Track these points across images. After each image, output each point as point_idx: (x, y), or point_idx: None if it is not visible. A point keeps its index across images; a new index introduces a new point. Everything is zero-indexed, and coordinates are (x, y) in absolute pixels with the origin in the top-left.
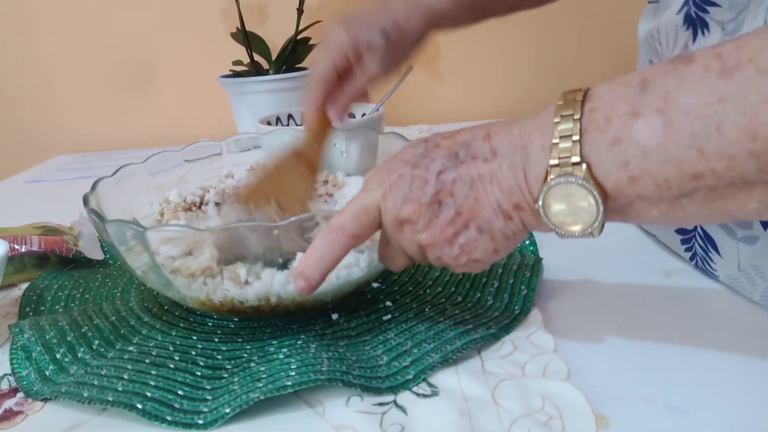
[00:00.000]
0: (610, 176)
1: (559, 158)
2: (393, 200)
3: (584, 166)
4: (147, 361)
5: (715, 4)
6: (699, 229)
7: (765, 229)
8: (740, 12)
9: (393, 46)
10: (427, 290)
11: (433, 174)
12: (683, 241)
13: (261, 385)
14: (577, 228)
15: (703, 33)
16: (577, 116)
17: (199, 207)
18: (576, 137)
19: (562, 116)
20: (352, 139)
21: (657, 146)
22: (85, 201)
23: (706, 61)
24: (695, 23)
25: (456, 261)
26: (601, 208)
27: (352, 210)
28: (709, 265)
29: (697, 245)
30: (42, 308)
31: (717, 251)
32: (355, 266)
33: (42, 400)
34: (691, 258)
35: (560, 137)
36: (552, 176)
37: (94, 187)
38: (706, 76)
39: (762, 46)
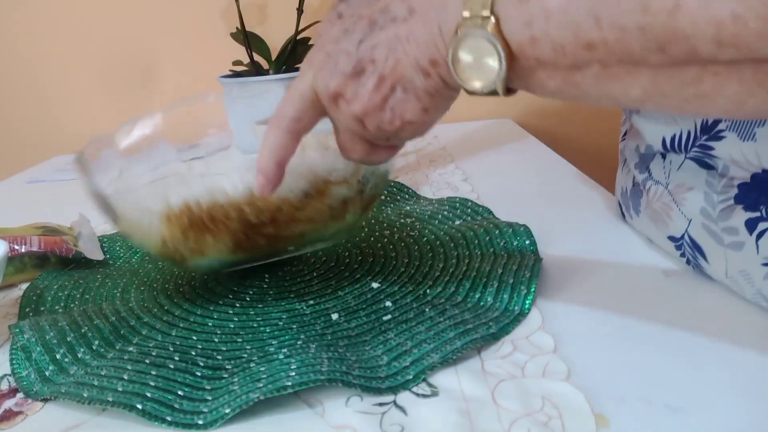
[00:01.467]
0: (515, 33)
1: (471, 11)
2: (322, 79)
3: (493, 19)
4: (147, 361)
5: None
6: (687, 237)
7: (751, 234)
8: None
9: None
10: (427, 290)
11: (353, 45)
12: (676, 247)
13: (261, 385)
14: (479, 84)
15: None
16: None
17: None
18: None
19: None
20: None
21: (559, 9)
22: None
23: None
24: None
25: (392, 126)
26: (504, 64)
27: (290, 96)
28: (701, 270)
29: (687, 252)
30: (42, 308)
31: (705, 258)
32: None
33: (42, 400)
34: (687, 262)
35: None
36: (462, 29)
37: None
38: None
39: None
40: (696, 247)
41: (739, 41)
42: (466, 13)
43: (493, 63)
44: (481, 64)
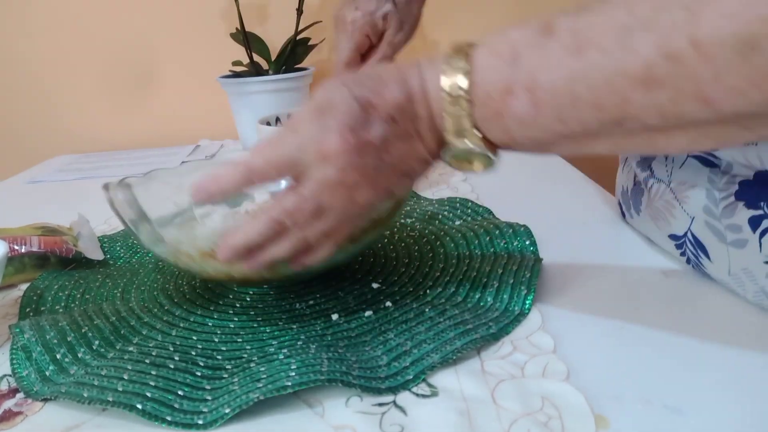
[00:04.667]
0: (497, 139)
1: (455, 127)
2: (333, 169)
3: (477, 132)
4: (147, 361)
5: None
6: (690, 235)
7: (754, 232)
8: None
9: (403, 8)
10: (427, 291)
11: (377, 139)
12: (677, 246)
13: (261, 385)
14: (477, 169)
15: None
16: (465, 85)
17: None
18: (466, 110)
19: (450, 86)
20: None
21: (529, 118)
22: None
23: (564, 38)
24: None
25: (376, 199)
26: (494, 159)
27: (278, 159)
28: (702, 269)
29: (688, 250)
30: (42, 308)
31: (707, 256)
32: None
33: (42, 400)
34: (687, 261)
35: (452, 108)
36: (452, 140)
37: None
38: (562, 55)
39: (605, 26)
40: (699, 245)
41: (678, 115)
42: (449, 127)
43: (483, 158)
44: (471, 158)
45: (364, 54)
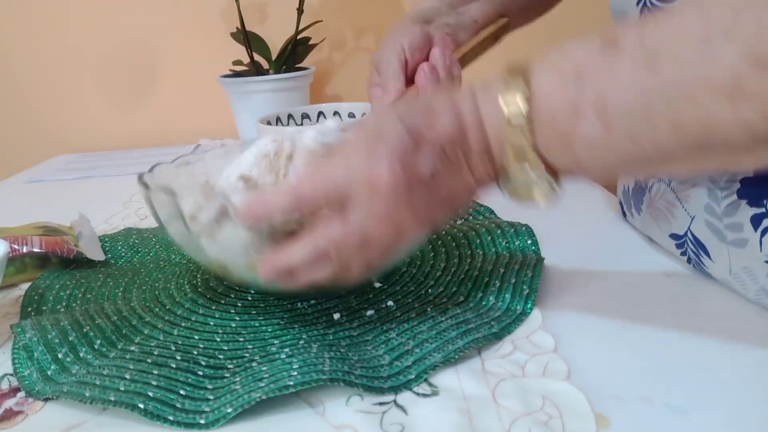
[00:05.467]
0: (561, 164)
1: (515, 154)
2: (382, 202)
3: (539, 158)
4: (149, 360)
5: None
6: (690, 235)
7: (756, 230)
8: None
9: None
10: (429, 290)
11: (426, 172)
12: (677, 246)
13: (263, 384)
14: (538, 201)
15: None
16: (525, 116)
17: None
18: (527, 136)
19: (510, 112)
20: None
21: (600, 141)
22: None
23: (633, 53)
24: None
25: (420, 230)
26: (557, 188)
27: (327, 186)
28: (703, 268)
29: (689, 250)
30: (44, 308)
31: (708, 255)
32: None
33: (44, 399)
34: (688, 261)
35: (512, 134)
36: (511, 168)
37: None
38: (633, 71)
39: (678, 37)
40: (699, 244)
41: None
42: (509, 152)
43: (544, 185)
44: (530, 186)
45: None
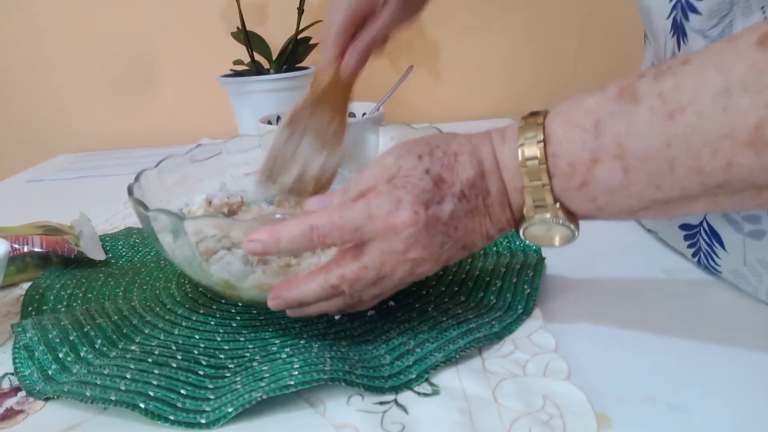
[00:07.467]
0: (581, 209)
1: (534, 201)
2: (400, 243)
3: (558, 205)
4: (150, 360)
5: (696, 11)
6: (705, 225)
7: None
8: (723, 17)
9: None
10: (430, 290)
11: (446, 217)
12: (687, 237)
13: (264, 384)
14: (556, 243)
15: (684, 42)
16: (542, 162)
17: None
18: (546, 183)
19: (527, 159)
20: (352, 139)
21: (620, 186)
22: (130, 191)
23: (651, 103)
24: (678, 31)
25: (434, 270)
26: (576, 233)
27: (344, 224)
28: (712, 260)
29: (702, 240)
30: (44, 307)
31: (722, 246)
32: None
33: (44, 399)
34: (694, 254)
35: (530, 181)
36: (531, 214)
37: (137, 179)
38: (653, 120)
39: (698, 89)
40: (714, 234)
41: None
42: (529, 201)
43: (564, 231)
44: (551, 232)
45: (358, 27)
